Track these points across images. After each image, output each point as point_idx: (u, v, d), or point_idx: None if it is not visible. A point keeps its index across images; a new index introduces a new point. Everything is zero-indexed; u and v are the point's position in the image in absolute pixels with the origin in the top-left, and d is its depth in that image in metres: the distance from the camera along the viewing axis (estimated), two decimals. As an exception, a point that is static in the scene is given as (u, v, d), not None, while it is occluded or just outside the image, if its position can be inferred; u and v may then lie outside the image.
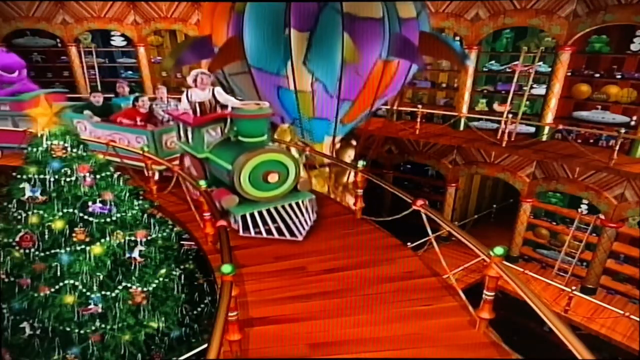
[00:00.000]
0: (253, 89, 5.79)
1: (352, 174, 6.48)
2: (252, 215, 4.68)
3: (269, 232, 4.66)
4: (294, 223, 4.73)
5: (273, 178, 4.64)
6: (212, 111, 5.41)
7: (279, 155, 4.75)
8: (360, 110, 5.98)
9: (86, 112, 7.00)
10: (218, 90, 5.34)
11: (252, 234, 4.66)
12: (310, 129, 6.01)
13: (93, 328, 4.83)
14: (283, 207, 4.80)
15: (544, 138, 8.10)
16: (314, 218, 5.00)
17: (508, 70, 8.84)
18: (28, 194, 4.69)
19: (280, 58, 5.68)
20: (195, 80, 5.29)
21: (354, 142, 6.23)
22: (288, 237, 4.59)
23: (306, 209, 4.92)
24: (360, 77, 5.48)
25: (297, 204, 4.86)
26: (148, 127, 6.42)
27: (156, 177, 6.15)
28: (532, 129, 8.46)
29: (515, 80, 8.33)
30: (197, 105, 5.31)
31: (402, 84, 5.96)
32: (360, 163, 4.99)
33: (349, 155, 6.06)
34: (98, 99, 7.26)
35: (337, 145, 6.14)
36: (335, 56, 5.49)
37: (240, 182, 4.58)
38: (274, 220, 4.73)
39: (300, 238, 4.58)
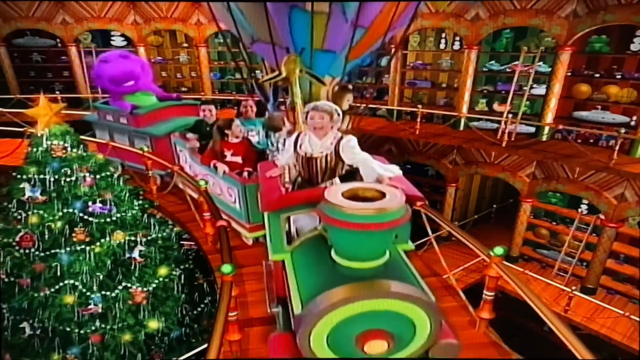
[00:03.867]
0: (261, 10, 4.83)
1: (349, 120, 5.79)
2: None
3: None
4: None
5: (374, 347, 2.17)
6: (326, 176, 3.21)
7: (397, 304, 2.15)
8: (370, 42, 5.61)
9: (189, 135, 5.53)
10: (348, 143, 3.12)
11: None
12: (312, 64, 5.52)
13: (93, 328, 4.83)
14: None
15: (544, 138, 8.10)
16: None
17: (508, 70, 8.84)
18: (28, 194, 4.68)
19: None
20: (306, 119, 3.21)
21: (350, 86, 5.93)
22: None
23: None
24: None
25: None
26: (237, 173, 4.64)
27: (250, 242, 4.73)
28: (532, 129, 8.46)
29: (515, 80, 8.33)
30: (304, 161, 3.23)
31: (409, 19, 5.71)
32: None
33: (348, 100, 5.70)
34: (210, 114, 5.44)
35: (335, 89, 5.77)
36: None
37: (309, 344, 2.21)
38: None
39: None
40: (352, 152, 3.11)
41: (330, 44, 5.10)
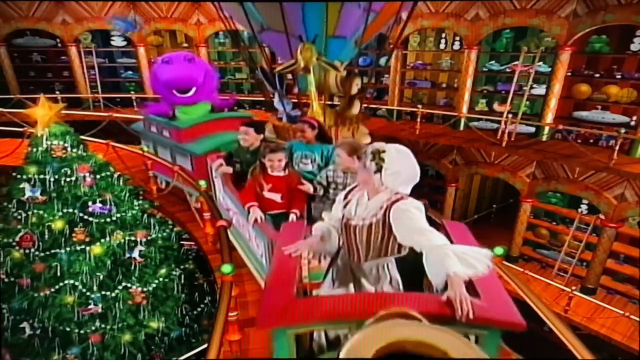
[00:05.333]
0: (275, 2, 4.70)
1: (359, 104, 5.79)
2: None
3: None
4: None
5: None
6: (368, 257, 2.15)
7: None
8: (379, 26, 5.62)
9: (223, 168, 4.41)
10: (403, 208, 2.02)
11: None
12: (325, 51, 5.52)
13: (93, 328, 4.83)
14: None
15: (544, 138, 8.09)
16: None
17: (508, 70, 8.83)
18: (28, 194, 4.68)
19: None
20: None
21: (356, 70, 5.93)
22: None
23: None
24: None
25: None
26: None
27: None
28: (532, 129, 8.46)
29: (515, 80, 8.32)
30: (343, 228, 2.18)
31: (413, 4, 5.76)
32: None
33: (357, 84, 5.69)
34: (250, 138, 4.16)
35: (343, 73, 5.77)
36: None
37: None
38: None
39: None
40: (405, 225, 1.95)
41: (342, 30, 5.16)
